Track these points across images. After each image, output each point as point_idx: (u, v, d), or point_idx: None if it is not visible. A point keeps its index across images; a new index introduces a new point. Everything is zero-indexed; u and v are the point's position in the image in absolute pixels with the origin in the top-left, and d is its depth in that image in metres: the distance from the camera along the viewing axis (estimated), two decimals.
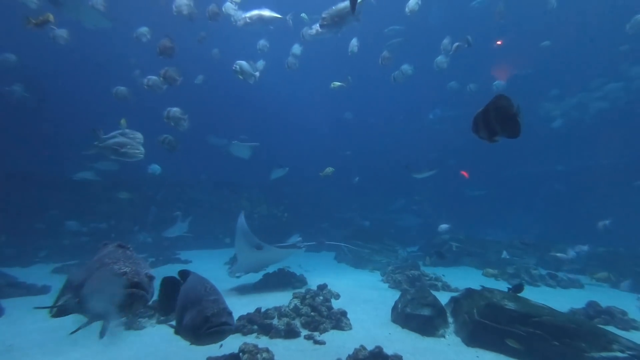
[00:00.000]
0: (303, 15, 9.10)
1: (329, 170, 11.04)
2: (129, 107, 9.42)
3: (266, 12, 8.13)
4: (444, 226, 11.67)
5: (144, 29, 8.57)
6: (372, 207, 21.13)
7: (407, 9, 9.25)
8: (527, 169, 24.05)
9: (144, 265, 2.49)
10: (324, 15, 6.49)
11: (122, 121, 7.61)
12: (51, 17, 6.48)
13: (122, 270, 2.32)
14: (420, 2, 9.10)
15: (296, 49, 10.99)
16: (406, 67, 10.15)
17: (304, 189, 19.87)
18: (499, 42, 16.40)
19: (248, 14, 8.13)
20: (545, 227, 20.62)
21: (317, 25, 7.49)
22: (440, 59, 10.81)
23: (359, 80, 16.75)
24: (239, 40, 11.52)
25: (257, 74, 7.51)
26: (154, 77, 7.73)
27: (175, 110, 7.69)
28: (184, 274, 3.48)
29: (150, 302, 2.62)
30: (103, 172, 12.58)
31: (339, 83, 10.67)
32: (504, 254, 11.45)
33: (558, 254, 11.10)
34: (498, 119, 2.64)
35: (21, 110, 14.78)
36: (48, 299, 6.59)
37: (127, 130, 5.60)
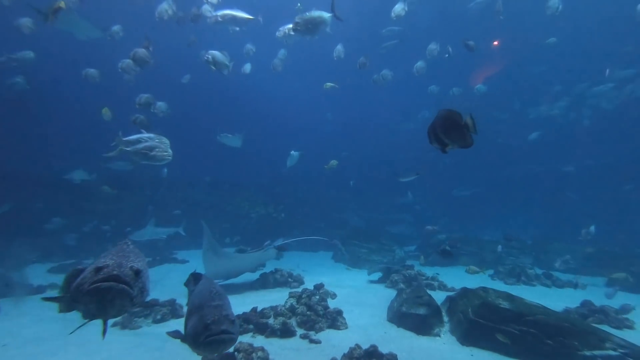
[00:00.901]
0: (299, 5, 9.15)
1: (334, 163, 11.40)
2: (127, 107, 9.43)
3: (238, 13, 8.26)
4: (429, 227, 12.04)
5: (116, 27, 8.62)
6: (370, 207, 21.16)
7: (393, 14, 9.50)
8: (525, 170, 24.14)
9: (133, 259, 2.30)
10: (297, 20, 6.56)
11: (104, 110, 7.65)
12: (62, 4, 6.52)
13: (104, 263, 2.13)
14: (406, 8, 9.39)
15: (282, 53, 11.86)
16: (386, 72, 10.91)
17: (302, 188, 19.90)
18: (495, 43, 16.46)
19: (220, 13, 8.25)
20: (543, 227, 20.71)
21: (285, 27, 7.63)
22: (420, 64, 11.15)
23: (360, 80, 16.82)
24: (240, 43, 11.70)
25: (231, 64, 7.39)
26: (127, 60, 7.92)
27: (146, 97, 8.13)
28: (196, 277, 3.36)
29: (145, 299, 2.42)
30: (117, 172, 12.77)
31: (331, 84, 11.05)
32: (499, 248, 11.58)
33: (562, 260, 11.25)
34: (445, 132, 2.78)
35: (13, 108, 14.72)
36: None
37: (152, 135, 5.58)
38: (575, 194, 20.59)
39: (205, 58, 7.13)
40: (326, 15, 6.69)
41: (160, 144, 5.32)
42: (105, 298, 2.07)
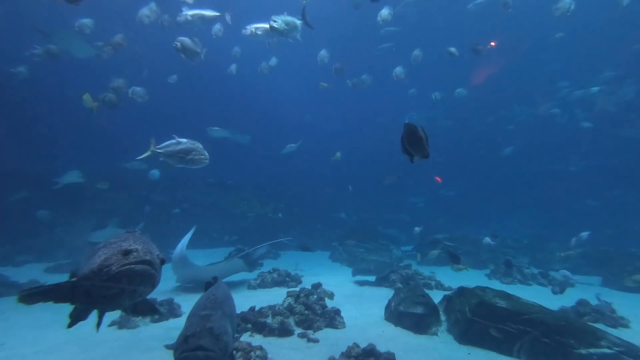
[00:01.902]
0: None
1: (338, 155, 11.75)
2: (127, 108, 9.40)
3: (207, 12, 8.35)
4: (417, 229, 12.28)
5: (86, 21, 8.67)
6: (367, 207, 21.20)
7: (379, 18, 9.66)
8: (523, 170, 24.26)
9: (155, 247, 2.20)
10: (274, 19, 6.65)
11: (85, 96, 7.64)
12: None
13: (132, 247, 1.98)
14: (392, 13, 9.72)
15: (273, 61, 12.56)
16: (365, 77, 11.61)
17: (299, 188, 19.91)
18: (492, 43, 16.53)
19: (190, 12, 8.30)
20: (540, 226, 20.84)
21: (252, 26, 7.74)
22: (399, 69, 11.45)
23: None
24: (240, 44, 11.76)
25: (204, 51, 7.22)
26: (100, 43, 8.53)
27: (119, 81, 8.52)
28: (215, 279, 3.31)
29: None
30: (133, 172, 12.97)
31: (325, 84, 11.34)
32: (486, 240, 11.74)
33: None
34: (409, 144, 3.02)
35: (11, 109, 14.61)
36: None
37: (183, 140, 5.57)
38: (595, 201, 20.55)
39: (174, 45, 6.94)
40: (297, 21, 6.88)
41: (196, 147, 5.34)
42: (134, 282, 1.91)
